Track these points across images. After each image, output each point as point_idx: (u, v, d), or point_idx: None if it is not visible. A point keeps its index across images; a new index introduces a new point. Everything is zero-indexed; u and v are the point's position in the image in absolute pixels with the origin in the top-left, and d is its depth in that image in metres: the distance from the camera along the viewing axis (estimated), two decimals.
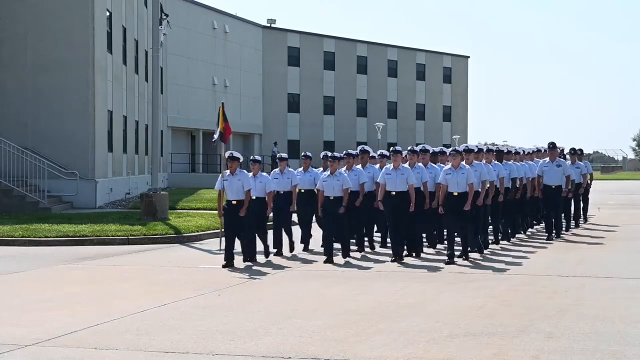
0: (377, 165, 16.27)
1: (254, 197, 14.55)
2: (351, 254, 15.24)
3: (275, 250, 15.76)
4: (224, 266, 13.92)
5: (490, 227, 17.02)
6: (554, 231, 18.06)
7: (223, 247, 14.69)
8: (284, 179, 16.04)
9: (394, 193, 14.38)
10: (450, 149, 15.52)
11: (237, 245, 14.41)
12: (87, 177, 27.25)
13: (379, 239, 17.02)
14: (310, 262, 14.84)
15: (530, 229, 19.66)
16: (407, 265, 13.97)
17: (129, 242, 18.33)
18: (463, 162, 14.60)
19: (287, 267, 14.22)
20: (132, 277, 13.21)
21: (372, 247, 16.33)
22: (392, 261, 14.31)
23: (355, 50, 69.45)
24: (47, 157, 26.63)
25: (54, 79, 27.37)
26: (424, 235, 15.96)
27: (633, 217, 24.59)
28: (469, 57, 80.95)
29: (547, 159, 18.32)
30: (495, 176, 16.09)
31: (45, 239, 18.39)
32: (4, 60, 27.54)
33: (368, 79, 70.21)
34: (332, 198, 14.69)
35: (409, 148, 15.77)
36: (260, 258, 14.94)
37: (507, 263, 14.16)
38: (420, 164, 15.36)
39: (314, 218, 16.56)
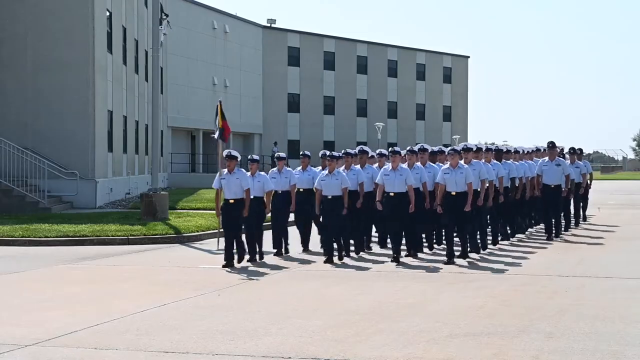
0: (376, 165, 16.23)
1: (252, 197, 14.53)
2: (351, 254, 15.25)
3: (275, 250, 15.77)
4: (224, 266, 13.91)
5: (490, 227, 16.99)
6: (554, 231, 18.05)
7: (221, 246, 14.64)
8: (282, 179, 16.00)
9: (392, 194, 14.37)
10: (449, 148, 15.46)
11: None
12: (87, 177, 27.26)
13: (378, 239, 17.00)
14: (310, 262, 14.83)
15: (529, 229, 19.65)
16: (406, 266, 13.97)
17: (129, 242, 18.34)
18: (461, 162, 14.56)
19: (286, 267, 14.22)
20: (132, 277, 13.21)
21: (368, 247, 16.29)
22: (391, 261, 14.32)
23: (355, 50, 69.42)
24: (47, 157, 26.65)
25: (54, 79, 27.38)
26: (423, 235, 15.95)
27: (633, 217, 24.60)
28: (469, 57, 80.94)
29: (547, 158, 18.31)
30: (494, 175, 16.03)
31: (45, 239, 18.40)
32: (4, 60, 27.55)
33: (368, 79, 70.18)
34: (330, 197, 14.66)
35: (407, 148, 15.73)
36: (262, 258, 14.94)
37: (506, 263, 14.16)
38: (419, 164, 15.32)
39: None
